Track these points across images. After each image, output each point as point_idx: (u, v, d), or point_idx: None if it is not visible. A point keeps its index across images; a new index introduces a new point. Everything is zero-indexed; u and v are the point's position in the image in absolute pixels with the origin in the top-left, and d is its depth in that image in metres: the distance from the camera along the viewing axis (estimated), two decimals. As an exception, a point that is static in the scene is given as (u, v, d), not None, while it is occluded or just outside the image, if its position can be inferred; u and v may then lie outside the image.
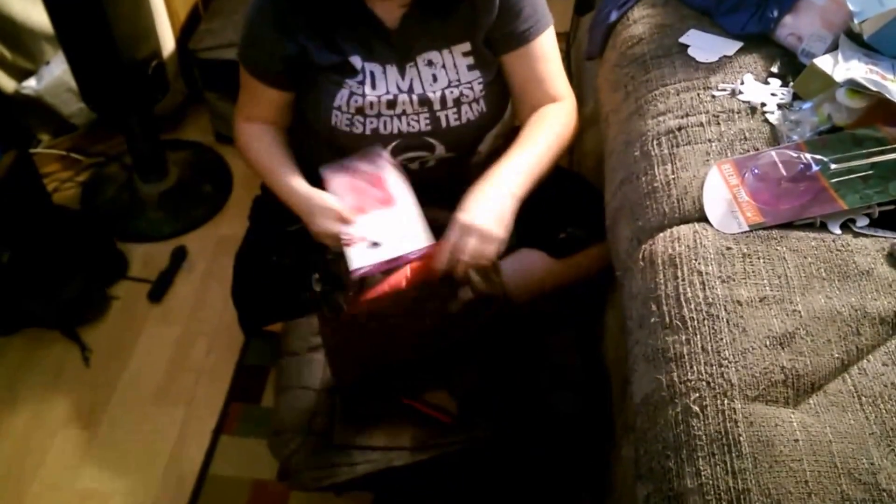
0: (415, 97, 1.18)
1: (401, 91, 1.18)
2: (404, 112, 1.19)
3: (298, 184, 1.19)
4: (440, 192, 1.20)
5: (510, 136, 1.27)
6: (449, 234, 1.07)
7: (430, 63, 1.18)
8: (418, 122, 1.20)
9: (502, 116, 1.30)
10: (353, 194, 1.16)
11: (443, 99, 1.19)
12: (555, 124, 1.21)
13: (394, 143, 1.22)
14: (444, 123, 1.21)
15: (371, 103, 1.17)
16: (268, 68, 1.19)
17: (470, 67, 1.19)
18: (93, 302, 1.66)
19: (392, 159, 1.20)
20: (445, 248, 1.06)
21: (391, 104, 1.18)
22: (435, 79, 1.18)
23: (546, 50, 1.22)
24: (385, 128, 1.20)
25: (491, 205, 1.08)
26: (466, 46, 1.18)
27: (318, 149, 1.26)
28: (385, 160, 1.19)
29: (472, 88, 1.20)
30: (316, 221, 1.14)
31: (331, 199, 1.14)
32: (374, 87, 1.17)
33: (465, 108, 1.21)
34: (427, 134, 1.22)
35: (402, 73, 1.18)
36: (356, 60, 1.16)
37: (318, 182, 1.18)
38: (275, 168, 1.23)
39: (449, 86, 1.19)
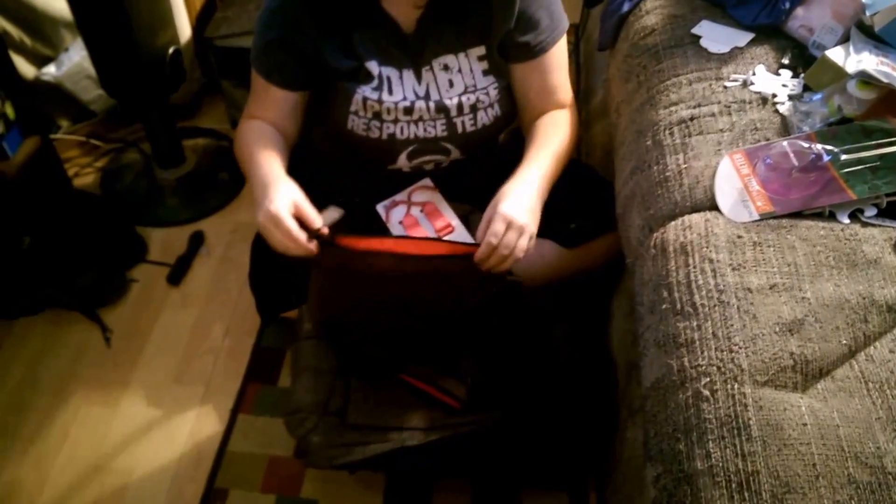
0: (432, 104, 1.18)
1: (418, 97, 1.17)
2: (421, 118, 1.19)
3: (268, 165, 1.10)
4: (454, 190, 1.23)
5: (516, 132, 1.28)
6: (490, 226, 1.04)
7: (445, 68, 1.17)
8: (434, 127, 1.20)
9: (515, 117, 1.29)
10: (415, 229, 1.18)
11: (459, 106, 1.19)
12: (566, 129, 1.21)
13: (410, 148, 1.23)
14: (459, 129, 1.21)
15: (388, 109, 1.17)
16: (279, 70, 1.17)
17: (485, 72, 1.18)
18: (113, 284, 1.68)
19: (434, 186, 1.21)
20: (490, 238, 1.04)
21: (408, 110, 1.17)
22: (451, 84, 1.18)
23: (558, 59, 1.21)
24: (402, 133, 1.20)
25: (525, 201, 1.08)
26: (482, 50, 1.17)
27: (337, 153, 1.27)
28: (434, 188, 1.22)
29: (487, 94, 1.19)
30: (263, 208, 1.04)
31: (292, 192, 1.06)
32: (391, 92, 1.16)
33: (480, 113, 1.21)
34: (443, 139, 1.22)
35: (418, 77, 1.17)
36: (373, 66, 1.15)
37: (327, 188, 1.15)
38: (254, 151, 1.13)
39: (465, 92, 1.18)
